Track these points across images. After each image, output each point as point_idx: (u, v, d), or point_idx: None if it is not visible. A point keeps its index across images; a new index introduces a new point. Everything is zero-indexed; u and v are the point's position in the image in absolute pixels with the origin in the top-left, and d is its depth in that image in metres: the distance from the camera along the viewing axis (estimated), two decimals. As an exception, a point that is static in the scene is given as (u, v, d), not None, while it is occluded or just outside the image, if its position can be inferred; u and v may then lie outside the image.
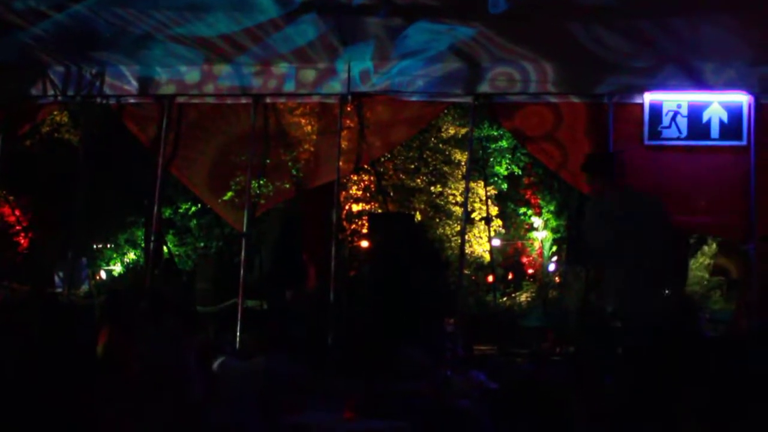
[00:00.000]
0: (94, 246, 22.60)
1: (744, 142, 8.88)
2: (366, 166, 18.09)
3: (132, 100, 10.50)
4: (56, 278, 15.27)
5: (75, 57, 10.15)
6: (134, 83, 10.28)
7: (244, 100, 10.22)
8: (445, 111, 19.47)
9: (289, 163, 10.45)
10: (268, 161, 10.44)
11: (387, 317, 7.55)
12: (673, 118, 9.04)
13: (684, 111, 9.03)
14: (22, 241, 20.80)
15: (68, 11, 8.83)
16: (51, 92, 10.45)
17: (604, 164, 7.06)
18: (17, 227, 20.79)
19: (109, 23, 9.03)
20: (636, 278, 6.30)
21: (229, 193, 10.65)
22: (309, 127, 10.68)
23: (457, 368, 7.81)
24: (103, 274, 22.62)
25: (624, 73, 9.08)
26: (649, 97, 9.07)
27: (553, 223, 25.04)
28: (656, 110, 9.07)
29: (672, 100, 9.04)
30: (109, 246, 23.32)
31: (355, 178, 19.89)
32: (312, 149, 10.53)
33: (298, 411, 5.10)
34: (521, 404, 4.84)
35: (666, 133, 9.06)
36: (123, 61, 10.15)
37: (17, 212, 20.71)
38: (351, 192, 20.31)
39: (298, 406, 5.17)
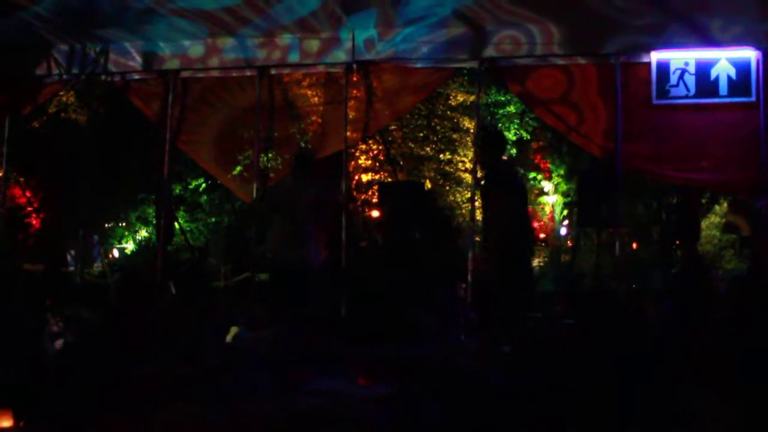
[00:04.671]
0: (106, 224, 22.62)
1: (753, 98, 8.83)
2: (375, 136, 18.04)
3: (137, 77, 10.51)
4: (68, 257, 15.29)
5: (79, 35, 10.14)
6: (138, 59, 10.28)
7: (248, 73, 10.23)
8: (453, 79, 19.39)
9: (297, 135, 10.43)
10: (275, 134, 10.43)
11: (399, 285, 7.54)
12: (681, 76, 8.98)
13: (691, 69, 8.97)
14: (34, 222, 20.82)
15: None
16: (56, 71, 10.47)
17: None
18: (28, 208, 20.80)
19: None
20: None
21: (238, 168, 10.64)
22: (315, 98, 10.63)
23: (470, 333, 7.81)
24: (115, 252, 22.67)
25: (630, 32, 9.02)
26: (656, 56, 9.01)
27: (563, 187, 24.91)
28: (664, 69, 9.01)
29: (679, 58, 8.99)
30: (120, 224, 23.34)
31: (364, 147, 19.83)
32: (319, 120, 10.50)
33: (311, 379, 5.11)
34: (534, 366, 4.84)
35: (674, 91, 9.01)
36: (126, 38, 10.15)
37: (28, 193, 20.72)
38: (360, 162, 20.26)
39: (310, 374, 5.18)
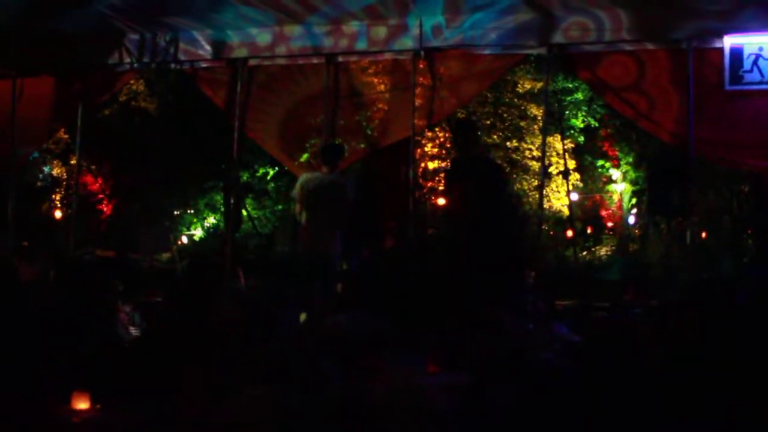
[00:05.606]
0: (175, 211, 22.95)
1: (829, 84, 8.60)
2: (442, 123, 17.99)
3: (205, 65, 10.63)
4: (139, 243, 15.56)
5: (149, 24, 10.28)
6: (207, 48, 10.40)
7: (316, 60, 10.26)
8: (520, 66, 19.23)
9: (363, 123, 10.45)
10: (341, 122, 10.47)
11: (468, 272, 7.54)
12: (755, 62, 8.78)
13: (766, 54, 8.75)
14: (105, 209, 21.24)
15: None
16: (127, 60, 10.63)
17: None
18: (100, 195, 21.24)
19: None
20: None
21: (305, 155, 10.70)
22: (381, 86, 10.62)
23: (540, 322, 7.76)
24: (184, 239, 22.99)
25: (702, 17, 8.82)
26: (729, 41, 8.81)
27: (631, 175, 24.60)
28: (737, 54, 8.81)
29: (753, 43, 8.76)
30: (189, 211, 23.66)
31: (430, 135, 19.80)
32: (385, 107, 10.50)
33: (380, 366, 5.14)
34: (605, 356, 4.80)
35: (748, 77, 8.80)
36: (195, 26, 10.26)
37: (99, 180, 21.15)
38: (426, 149, 20.23)
39: (379, 362, 5.20)
